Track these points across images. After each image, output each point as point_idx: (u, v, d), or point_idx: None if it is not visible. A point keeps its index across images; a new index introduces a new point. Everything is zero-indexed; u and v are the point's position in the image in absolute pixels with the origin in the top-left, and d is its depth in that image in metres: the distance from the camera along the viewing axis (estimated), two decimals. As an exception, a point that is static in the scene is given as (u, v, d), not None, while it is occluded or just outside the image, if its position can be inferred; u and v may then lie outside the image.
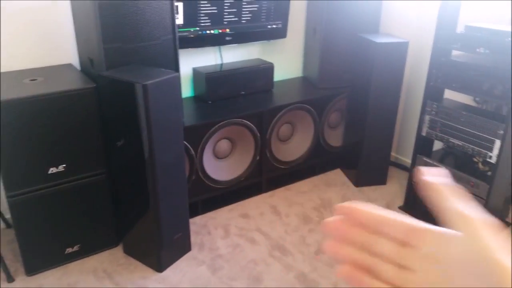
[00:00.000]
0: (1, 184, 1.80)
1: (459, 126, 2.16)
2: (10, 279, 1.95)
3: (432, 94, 2.29)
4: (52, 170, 1.88)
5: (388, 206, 2.59)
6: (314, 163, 2.91)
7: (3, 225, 2.31)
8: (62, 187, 1.93)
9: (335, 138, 2.96)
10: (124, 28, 1.87)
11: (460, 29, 2.15)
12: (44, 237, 1.95)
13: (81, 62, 2.18)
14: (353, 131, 2.80)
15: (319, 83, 2.87)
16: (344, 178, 2.92)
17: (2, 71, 2.06)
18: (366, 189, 2.79)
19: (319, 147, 2.87)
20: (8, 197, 1.81)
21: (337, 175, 2.96)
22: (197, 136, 2.28)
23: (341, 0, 2.64)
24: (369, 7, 2.74)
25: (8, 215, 2.25)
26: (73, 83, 1.91)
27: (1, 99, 1.68)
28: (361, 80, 2.63)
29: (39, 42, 2.14)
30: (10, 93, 1.73)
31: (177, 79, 1.82)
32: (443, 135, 2.25)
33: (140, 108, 1.72)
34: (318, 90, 2.82)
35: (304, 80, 3.06)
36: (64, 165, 1.91)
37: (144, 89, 1.67)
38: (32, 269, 1.98)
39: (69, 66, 2.20)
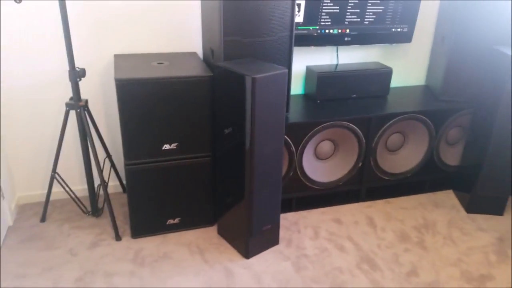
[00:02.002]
0: (122, 153, 2.04)
1: None
2: (118, 238, 2.21)
3: None
4: (166, 146, 2.07)
5: (501, 240, 2.30)
6: (423, 180, 2.71)
7: (120, 189, 2.62)
8: (172, 163, 2.11)
9: (451, 156, 2.72)
10: (244, 23, 1.97)
11: None
12: (151, 206, 2.16)
13: (204, 52, 2.35)
14: (474, 151, 2.53)
15: (442, 94, 2.65)
16: (455, 201, 2.67)
17: (136, 52, 2.33)
18: (478, 217, 2.51)
19: (431, 163, 2.66)
20: (126, 165, 2.05)
21: (447, 197, 2.72)
22: (300, 133, 2.30)
23: (475, 8, 2.40)
24: (505, 18, 2.44)
25: (124, 181, 2.55)
26: (194, 70, 2.06)
27: (127, 77, 1.89)
28: (490, 96, 2.36)
29: (171, 30, 2.36)
30: (136, 73, 1.95)
31: (286, 76, 1.85)
32: None
33: (247, 99, 1.79)
34: (439, 102, 2.61)
35: (425, 90, 2.86)
36: (176, 144, 2.09)
37: (253, 82, 1.74)
38: (137, 233, 2.22)
39: (194, 54, 2.38)
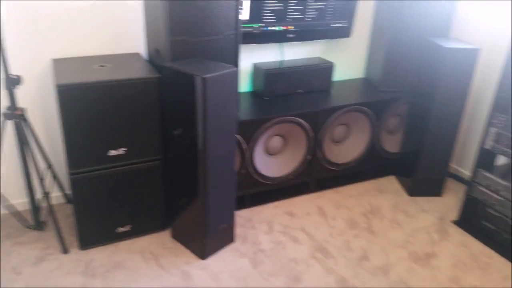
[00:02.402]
0: (65, 162, 1.94)
1: (529, 144, 2.02)
2: (65, 250, 2.10)
3: (501, 106, 2.14)
4: (112, 152, 2.00)
5: (441, 219, 2.48)
6: (367, 168, 2.84)
7: (64, 200, 2.49)
8: (120, 169, 2.04)
9: (392, 144, 2.87)
10: (190, 22, 1.93)
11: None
12: (99, 215, 2.08)
13: (149, 52, 2.28)
14: (412, 138, 2.69)
15: (381, 86, 2.79)
16: (398, 186, 2.83)
17: (75, 56, 2.21)
18: (419, 199, 2.68)
19: (374, 151, 2.79)
20: (70, 174, 1.95)
21: (390, 182, 2.87)
22: (250, 131, 2.31)
23: (411, 1, 2.54)
24: (441, 10, 2.61)
25: (68, 191, 2.42)
26: (139, 71, 1.99)
27: (68, 82, 1.79)
28: (425, 86, 2.52)
29: (111, 31, 2.26)
30: (78, 77, 1.85)
31: (236, 74, 1.85)
32: (508, 150, 2.11)
33: (198, 100, 1.77)
34: (379, 93, 2.74)
35: (365, 82, 2.99)
36: (124, 149, 2.01)
37: (204, 82, 1.72)
38: (85, 244, 2.12)
39: (137, 55, 2.30)
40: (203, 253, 2.09)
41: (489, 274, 2.06)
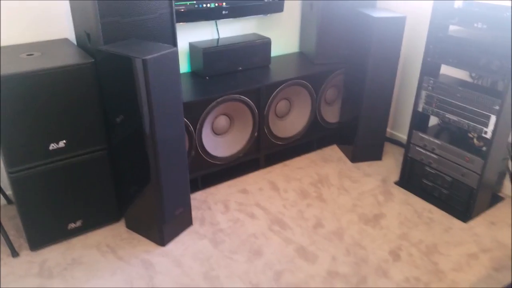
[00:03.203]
0: (2, 160, 1.79)
1: (455, 102, 2.19)
2: (15, 254, 1.97)
3: (429, 69, 2.30)
4: (53, 146, 1.88)
5: (384, 182, 2.63)
6: (311, 139, 2.94)
7: (3, 201, 2.31)
8: (63, 163, 1.93)
9: (332, 114, 2.98)
10: (120, 2, 1.85)
11: (458, 4, 2.15)
12: (47, 212, 1.96)
13: (77, 37, 2.15)
14: (350, 107, 2.81)
15: (316, 59, 2.86)
16: (341, 154, 2.95)
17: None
18: (362, 164, 2.83)
19: (316, 123, 2.89)
20: (9, 173, 1.81)
21: (333, 151, 2.99)
22: (195, 112, 2.28)
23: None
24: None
25: (9, 191, 2.26)
26: (70, 58, 1.88)
27: (3, 74, 1.65)
28: (358, 56, 2.63)
29: (34, 16, 2.10)
30: (7, 68, 1.71)
31: (176, 54, 1.80)
32: (439, 110, 2.28)
33: (139, 83, 1.71)
34: (315, 66, 2.82)
35: (301, 56, 3.05)
36: (65, 141, 1.91)
37: (144, 64, 1.66)
38: (36, 244, 2.00)
39: (66, 40, 2.16)
40: (162, 240, 2.06)
41: (433, 228, 2.23)
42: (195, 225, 2.22)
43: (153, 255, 2.01)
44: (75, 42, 2.20)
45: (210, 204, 2.39)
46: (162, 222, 2.01)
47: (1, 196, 2.27)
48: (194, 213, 2.29)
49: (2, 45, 2.05)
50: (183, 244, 2.09)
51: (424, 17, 2.68)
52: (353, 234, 2.19)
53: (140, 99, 1.74)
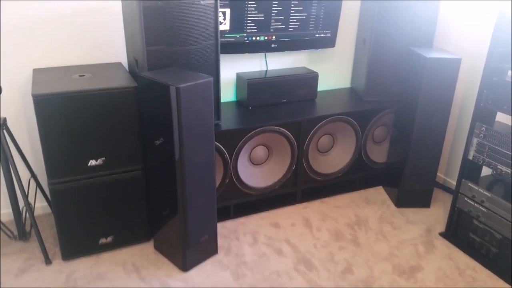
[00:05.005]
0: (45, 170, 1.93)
1: (509, 152, 2.00)
2: (48, 261, 2.08)
3: (482, 116, 2.13)
4: (92, 162, 1.99)
5: (428, 231, 2.44)
6: (354, 178, 2.82)
7: (49, 210, 2.47)
8: (100, 180, 2.03)
9: (379, 154, 2.86)
10: (167, 32, 1.94)
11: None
12: (81, 225, 2.06)
13: (129, 62, 2.29)
14: (398, 148, 2.68)
15: (365, 96, 2.79)
16: (385, 197, 2.80)
17: (58, 66, 2.22)
18: (407, 210, 2.65)
19: (360, 161, 2.78)
20: (50, 184, 1.94)
21: (377, 193, 2.85)
22: (233, 140, 2.30)
23: (394, 12, 2.55)
24: (424, 20, 2.62)
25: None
26: (117, 81, 2.00)
27: (44, 92, 1.80)
28: (409, 96, 2.51)
29: (93, 40, 2.28)
30: (54, 88, 1.85)
31: (211, 84, 1.85)
32: (490, 160, 2.09)
33: (173, 109, 1.77)
34: (364, 103, 2.74)
35: (351, 92, 2.98)
36: (103, 159, 2.01)
37: (177, 91, 1.72)
38: (68, 254, 2.10)
39: (119, 65, 2.31)
40: (184, 265, 2.07)
41: None
42: (220, 254, 2.20)
43: (174, 279, 2.02)
44: (127, 67, 2.34)
45: (239, 234, 2.37)
46: (185, 248, 2.02)
47: (48, 205, 2.44)
48: (221, 242, 2.28)
49: (63, 65, 2.24)
50: (205, 272, 2.07)
51: (482, 59, 2.51)
52: (384, 284, 2.04)
53: (173, 124, 1.80)
